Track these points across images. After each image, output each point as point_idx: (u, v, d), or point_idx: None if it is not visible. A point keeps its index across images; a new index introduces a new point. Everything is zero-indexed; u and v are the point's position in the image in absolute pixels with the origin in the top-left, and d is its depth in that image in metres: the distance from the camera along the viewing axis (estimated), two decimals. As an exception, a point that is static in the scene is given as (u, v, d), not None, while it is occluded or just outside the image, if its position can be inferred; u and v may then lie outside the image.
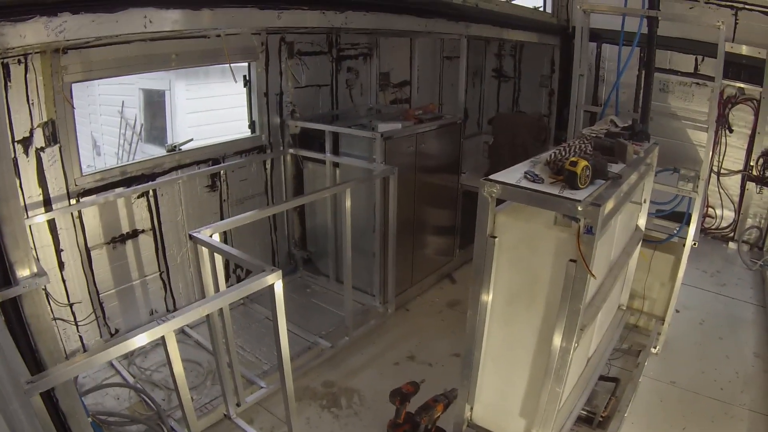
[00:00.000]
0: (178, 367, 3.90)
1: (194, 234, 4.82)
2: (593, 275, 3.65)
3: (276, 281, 4.21)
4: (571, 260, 3.67)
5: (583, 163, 3.73)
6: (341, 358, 6.60)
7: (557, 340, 3.89)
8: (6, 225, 3.85)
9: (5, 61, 5.07)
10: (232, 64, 6.51)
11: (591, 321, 4.26)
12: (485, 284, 4.18)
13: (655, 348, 6.56)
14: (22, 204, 5.46)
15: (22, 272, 3.95)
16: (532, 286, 4.06)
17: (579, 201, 3.52)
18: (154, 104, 11.47)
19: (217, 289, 4.97)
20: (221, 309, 5.01)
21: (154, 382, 6.05)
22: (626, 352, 6.51)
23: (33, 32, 3.95)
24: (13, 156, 5.29)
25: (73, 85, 5.78)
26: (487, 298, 4.22)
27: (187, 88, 10.90)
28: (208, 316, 4.93)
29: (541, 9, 10.37)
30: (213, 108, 10.60)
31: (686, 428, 5.52)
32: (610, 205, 3.73)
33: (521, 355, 4.27)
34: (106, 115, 12.36)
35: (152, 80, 11.04)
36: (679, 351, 6.73)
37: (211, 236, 4.91)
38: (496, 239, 4.05)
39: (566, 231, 3.81)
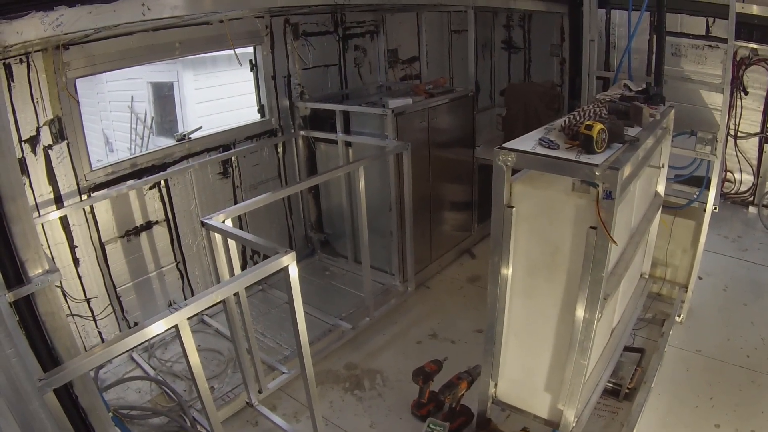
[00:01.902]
0: (194, 357, 3.85)
1: (206, 220, 4.77)
2: (614, 242, 3.58)
3: (290, 263, 4.13)
4: (591, 227, 3.61)
5: (598, 126, 3.64)
6: (363, 340, 6.56)
7: (580, 311, 3.83)
8: (15, 224, 3.82)
9: (7, 61, 5.05)
10: (236, 49, 6.47)
11: (614, 290, 4.19)
12: (504, 256, 4.12)
13: (679, 316, 6.46)
14: (33, 203, 5.48)
15: (34, 270, 3.92)
16: (552, 256, 3.99)
17: (596, 165, 3.44)
18: (164, 97, 11.46)
19: (232, 274, 4.90)
20: (238, 296, 4.94)
21: (175, 373, 6.04)
22: (650, 322, 6.42)
23: (30, 28, 3.88)
24: (21, 155, 5.29)
25: (77, 80, 5.73)
26: (507, 270, 4.16)
27: (195, 78, 10.88)
28: (224, 303, 4.87)
29: (548, -24, 10.26)
30: (222, 96, 10.57)
31: (714, 397, 5.41)
32: (628, 168, 3.66)
33: (544, 328, 4.22)
34: (116, 111, 12.37)
35: (160, 73, 11.02)
36: (704, 319, 6.62)
37: (223, 222, 4.84)
38: (514, 209, 3.98)
39: (585, 197, 3.73)
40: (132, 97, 11.87)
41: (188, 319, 3.70)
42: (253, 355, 5.33)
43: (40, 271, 3.93)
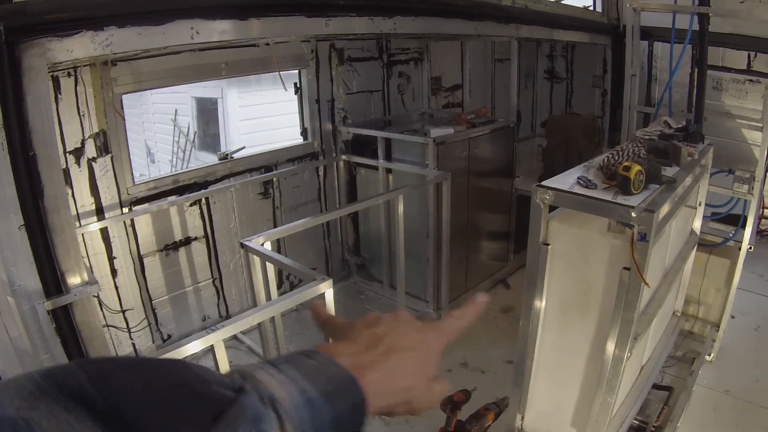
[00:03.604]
0: (225, 374, 3.90)
1: (246, 242, 4.83)
2: (647, 284, 3.58)
3: (327, 290, 4.20)
4: (624, 268, 3.60)
5: (636, 167, 3.65)
6: (394, 365, 6.53)
7: (610, 350, 3.82)
8: (57, 234, 3.94)
9: (55, 74, 5.17)
10: (282, 72, 6.54)
11: (645, 329, 4.18)
12: (538, 292, 4.12)
13: (709, 355, 6.37)
14: (75, 213, 5.57)
15: (73, 280, 4.03)
16: (585, 295, 3.99)
17: (632, 207, 3.44)
18: (207, 112, 11.59)
19: (268, 297, 4.96)
20: (274, 318, 5.00)
21: (205, 390, 6.07)
22: (680, 360, 6.32)
23: (80, 46, 3.98)
24: (65, 166, 5.39)
25: (123, 96, 5.87)
26: (540, 306, 4.16)
27: (240, 95, 10.99)
28: (259, 324, 4.91)
29: (591, 8, 10.24)
30: (265, 115, 10.67)
31: (739, 439, 5.38)
32: (664, 210, 3.65)
33: (574, 364, 4.20)
34: (159, 123, 12.56)
35: (205, 88, 11.15)
36: (734, 358, 6.53)
37: (262, 244, 4.90)
38: (549, 246, 3.99)
39: (620, 238, 3.73)
40: (176, 110, 12.04)
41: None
42: (284, 375, 5.36)
43: (79, 281, 4.04)
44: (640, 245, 3.46)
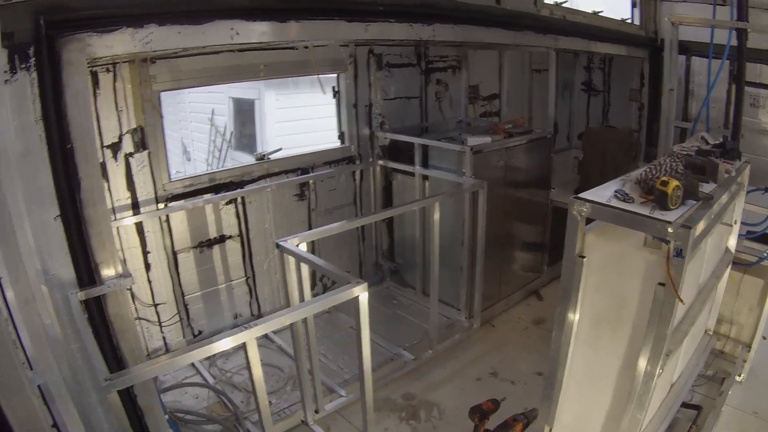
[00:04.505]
0: (257, 372, 3.98)
1: (281, 243, 4.88)
2: (681, 300, 3.56)
3: (362, 293, 4.23)
4: (659, 284, 3.58)
5: (674, 183, 3.63)
6: (423, 371, 6.58)
7: (641, 366, 3.80)
8: (92, 227, 4.00)
9: (94, 69, 5.25)
10: (320, 75, 6.58)
11: (677, 347, 4.15)
12: (572, 305, 4.11)
13: (739, 376, 6.29)
14: (111, 206, 5.68)
15: (107, 272, 4.10)
16: (618, 309, 3.98)
17: (669, 222, 3.42)
18: (244, 113, 11.61)
19: (302, 298, 5.02)
20: (306, 319, 5.05)
21: (233, 384, 6.19)
22: (710, 379, 6.26)
23: (120, 43, 4.06)
24: (102, 160, 5.49)
25: (161, 93, 5.95)
26: (574, 318, 4.15)
27: (277, 97, 11.01)
28: (291, 324, 4.98)
29: (629, 21, 10.20)
30: (302, 118, 10.68)
31: (765, 462, 5.32)
32: (700, 227, 3.61)
33: (604, 378, 4.19)
34: (196, 122, 12.61)
35: (242, 89, 11.18)
36: (764, 380, 6.42)
37: (297, 246, 4.94)
38: (585, 259, 3.98)
39: (656, 253, 3.72)
40: (213, 110, 12.09)
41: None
42: (314, 375, 5.43)
43: (113, 273, 4.10)
44: (676, 261, 3.45)
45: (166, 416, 4.87)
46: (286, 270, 4.93)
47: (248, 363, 3.90)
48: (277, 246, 4.90)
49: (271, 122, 10.97)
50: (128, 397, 4.16)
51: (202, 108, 12.30)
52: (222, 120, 11.98)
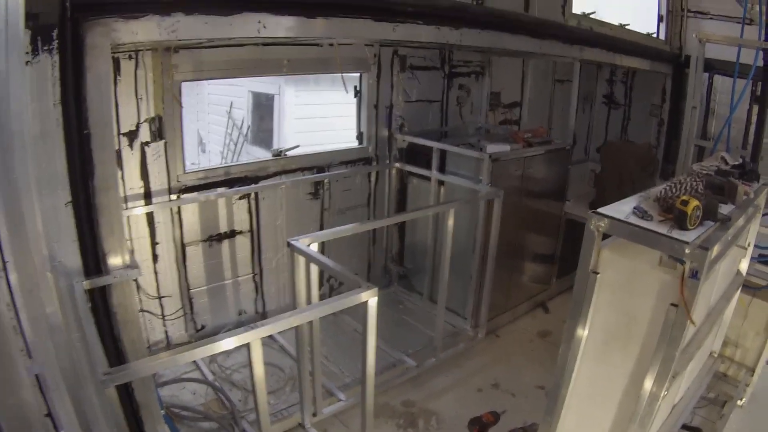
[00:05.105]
0: (259, 372, 3.93)
1: (292, 242, 4.83)
2: (693, 323, 3.51)
3: (371, 299, 4.19)
4: (672, 304, 3.53)
5: (694, 203, 3.58)
6: (425, 379, 6.54)
7: (647, 386, 3.76)
8: (103, 215, 3.97)
9: (116, 55, 5.21)
10: (343, 74, 6.53)
11: (684, 368, 4.11)
12: (582, 321, 4.06)
13: (741, 400, 6.25)
14: (123, 195, 5.63)
15: (115, 262, 4.06)
16: (628, 327, 3.93)
17: (687, 243, 3.37)
18: (262, 107, 11.61)
19: (309, 299, 4.97)
20: (311, 321, 5.01)
21: (232, 382, 6.16)
22: (712, 402, 6.24)
23: (145, 30, 4.02)
24: (117, 147, 5.44)
25: (183, 83, 5.91)
26: (583, 334, 4.10)
27: (297, 94, 11.00)
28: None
29: (654, 35, 10.14)
30: (321, 115, 10.66)
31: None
32: (717, 249, 3.58)
33: (608, 396, 4.15)
34: (213, 114, 12.63)
35: (262, 83, 11.20)
36: (765, 405, 6.40)
37: (309, 246, 4.90)
38: (599, 275, 3.93)
39: (670, 273, 3.67)
40: (231, 103, 12.08)
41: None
42: (314, 378, 5.38)
43: (120, 263, 4.07)
44: (691, 283, 3.40)
45: (163, 411, 4.84)
46: (296, 269, 4.87)
47: (251, 363, 3.86)
48: (289, 245, 4.86)
49: (289, 118, 10.97)
50: (125, 391, 4.13)
51: (220, 100, 12.33)
52: (240, 113, 11.98)
